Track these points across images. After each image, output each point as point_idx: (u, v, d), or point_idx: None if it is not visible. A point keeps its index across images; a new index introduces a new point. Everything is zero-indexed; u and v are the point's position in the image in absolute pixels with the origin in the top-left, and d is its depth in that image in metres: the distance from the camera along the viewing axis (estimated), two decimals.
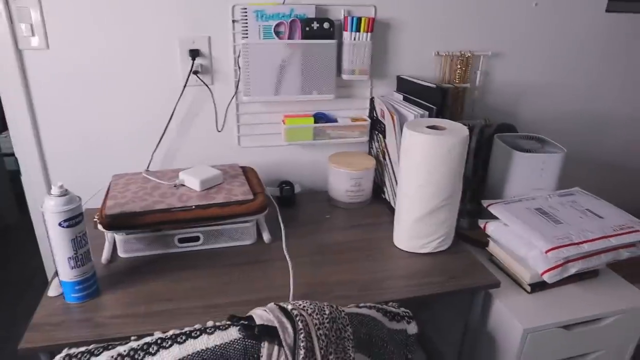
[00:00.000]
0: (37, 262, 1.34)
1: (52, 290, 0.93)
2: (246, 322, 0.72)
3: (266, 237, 1.11)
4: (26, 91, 1.17)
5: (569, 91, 1.55)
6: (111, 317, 0.88)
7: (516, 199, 1.19)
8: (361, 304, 0.83)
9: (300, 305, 0.74)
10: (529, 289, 1.06)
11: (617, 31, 1.51)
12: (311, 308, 0.73)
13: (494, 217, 1.14)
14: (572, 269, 1.01)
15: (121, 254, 1.05)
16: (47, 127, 1.22)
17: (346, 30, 1.23)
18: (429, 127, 1.04)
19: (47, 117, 1.21)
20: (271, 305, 0.74)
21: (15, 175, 2.82)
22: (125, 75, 1.21)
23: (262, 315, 0.73)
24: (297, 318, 0.71)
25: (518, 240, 1.07)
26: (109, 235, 1.03)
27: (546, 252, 0.99)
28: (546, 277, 1.00)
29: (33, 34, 1.13)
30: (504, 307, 1.02)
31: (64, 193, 0.84)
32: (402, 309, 0.88)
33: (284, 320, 0.71)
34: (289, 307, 0.73)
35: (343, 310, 0.76)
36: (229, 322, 0.73)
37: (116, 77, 1.20)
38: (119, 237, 1.02)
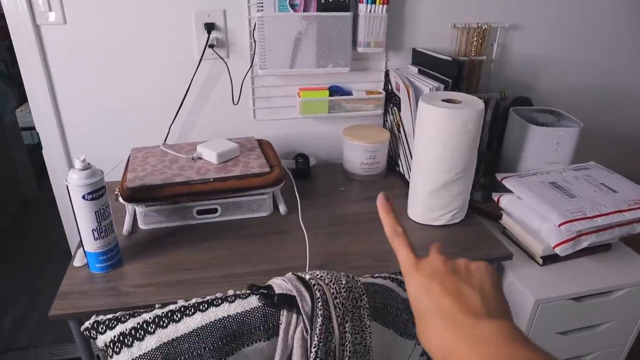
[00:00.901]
0: (57, 234, 1.37)
1: (77, 261, 0.97)
2: (266, 291, 0.74)
3: (282, 209, 1.13)
4: (45, 66, 1.19)
5: (586, 64, 1.53)
6: (135, 286, 0.91)
7: (530, 173, 1.19)
8: (376, 274, 0.85)
9: (317, 275, 0.76)
10: (541, 261, 1.07)
11: (634, 4, 1.48)
12: (328, 278, 0.75)
13: (507, 191, 1.15)
14: (585, 243, 1.02)
15: (141, 225, 1.08)
16: (66, 101, 1.24)
17: (362, 2, 1.22)
18: (444, 100, 1.04)
19: (66, 92, 1.23)
20: (289, 275, 0.77)
21: (33, 149, 2.87)
22: (141, 50, 1.22)
23: (280, 284, 0.75)
24: (315, 287, 0.74)
25: (531, 213, 1.08)
26: (129, 207, 1.06)
27: (559, 225, 1.00)
28: (558, 250, 1.01)
29: (50, 9, 1.14)
30: (516, 278, 1.04)
31: (87, 167, 0.86)
32: None
33: (302, 289, 0.74)
34: (307, 276, 0.75)
35: (359, 280, 0.79)
36: (249, 291, 0.75)
37: (133, 51, 1.21)
38: (139, 209, 1.05)
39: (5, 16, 1.14)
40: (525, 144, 1.26)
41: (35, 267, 2.30)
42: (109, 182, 1.22)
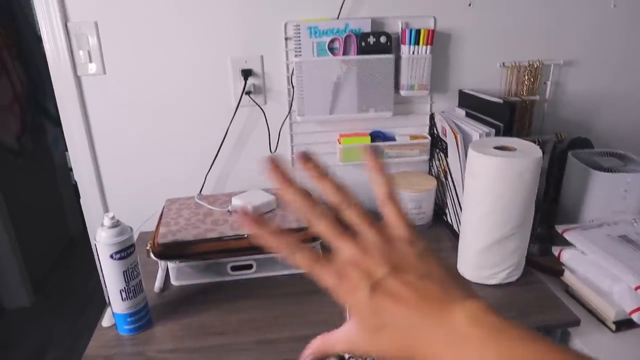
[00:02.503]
0: (98, 276, 1.36)
1: (106, 321, 0.92)
2: None
3: None
4: (84, 115, 1.19)
5: None
6: (162, 351, 0.85)
7: (595, 224, 1.07)
8: None
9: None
10: (613, 327, 0.94)
11: None
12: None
13: (569, 244, 1.03)
14: None
15: (174, 281, 1.03)
16: (104, 150, 1.23)
17: (404, 44, 1.16)
18: (496, 147, 0.95)
19: (104, 141, 1.22)
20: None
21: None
22: (178, 97, 1.20)
23: None
24: None
25: (599, 271, 0.96)
26: (162, 263, 1.01)
27: (636, 288, 0.87)
28: (636, 317, 0.88)
29: (90, 60, 1.14)
30: (584, 348, 0.92)
31: (116, 224, 0.83)
32: None
33: None
34: (346, 355, 0.67)
35: None
36: None
37: (169, 99, 1.20)
38: (171, 265, 1.01)
39: (49, 67, 1.15)
40: (588, 191, 1.14)
41: (76, 307, 2.31)
42: (144, 233, 1.21)
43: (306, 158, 0.41)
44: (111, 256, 0.82)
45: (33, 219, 2.55)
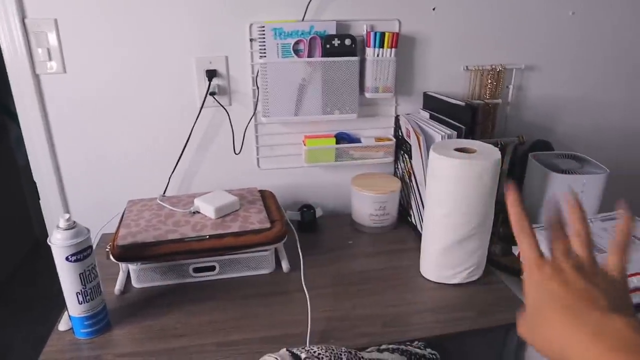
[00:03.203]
0: None
1: (63, 325, 0.90)
2: None
3: (285, 266, 1.06)
4: (43, 115, 1.16)
5: (609, 105, 1.45)
6: (120, 355, 0.84)
7: None
8: (383, 346, 0.77)
9: (315, 352, 0.68)
10: None
11: None
12: (327, 356, 0.67)
13: None
14: None
15: (135, 284, 1.01)
16: (65, 151, 1.20)
17: (369, 47, 1.17)
18: (457, 149, 0.97)
19: (64, 141, 1.19)
20: (283, 351, 0.68)
21: None
22: (141, 98, 1.18)
23: None
24: None
25: None
26: (122, 265, 1.00)
27: None
28: None
29: (50, 59, 1.11)
30: None
31: (72, 226, 0.81)
32: (429, 350, 0.82)
33: None
34: (303, 355, 0.67)
35: (362, 357, 0.70)
36: None
37: (133, 99, 1.18)
38: (132, 267, 0.99)
39: (6, 65, 1.12)
40: (547, 192, 1.17)
41: (40, 312, 2.25)
42: (107, 234, 1.18)
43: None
44: (67, 258, 0.81)
45: None
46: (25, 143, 1.19)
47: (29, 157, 1.20)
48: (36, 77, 1.13)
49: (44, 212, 1.26)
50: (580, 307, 0.41)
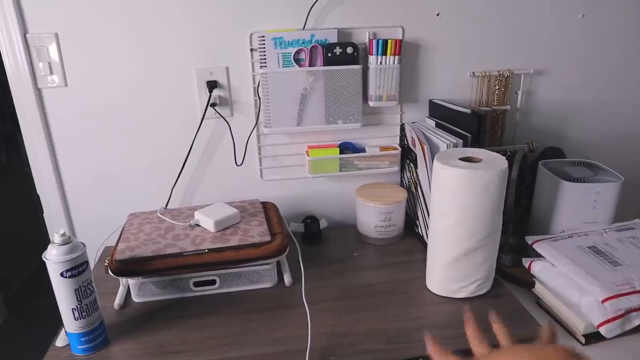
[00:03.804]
0: None
1: (60, 341, 0.89)
2: None
3: (287, 279, 1.03)
4: (46, 128, 1.16)
5: (623, 110, 1.40)
6: None
7: (565, 235, 1.06)
8: None
9: None
10: (583, 340, 0.92)
11: None
12: None
13: (540, 255, 1.02)
14: (636, 321, 0.87)
15: (135, 298, 0.99)
16: (67, 164, 1.20)
17: (372, 54, 1.15)
18: (462, 158, 0.94)
19: (67, 154, 1.19)
20: None
21: None
22: (142, 110, 1.17)
23: None
24: None
25: (569, 283, 0.94)
26: (122, 279, 0.98)
27: (603, 301, 0.86)
28: (603, 330, 0.87)
29: (51, 72, 1.12)
30: None
31: (67, 241, 0.80)
32: None
33: None
34: None
35: None
36: None
37: (134, 111, 1.17)
38: (132, 281, 0.97)
39: (8, 79, 1.12)
40: (558, 201, 1.13)
41: (52, 324, 2.25)
42: (109, 247, 1.17)
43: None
44: (62, 274, 0.79)
45: (6, 233, 2.49)
46: (28, 156, 1.19)
47: (32, 170, 1.20)
48: (38, 91, 1.13)
49: (47, 225, 1.26)
50: None
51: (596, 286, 0.88)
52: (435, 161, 0.94)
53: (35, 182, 1.22)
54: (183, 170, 1.20)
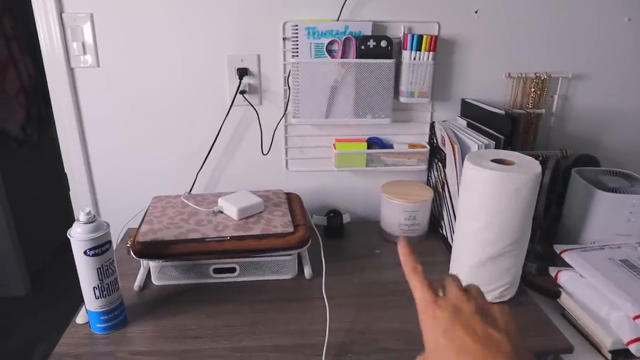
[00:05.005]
0: None
1: (80, 318, 0.90)
2: None
3: (307, 272, 1.02)
4: (76, 108, 1.17)
5: None
6: (134, 353, 0.82)
7: (596, 246, 1.02)
8: None
9: None
10: (609, 356, 0.89)
11: None
12: None
13: (568, 265, 0.99)
14: None
15: (155, 281, 1.00)
16: (95, 144, 1.21)
17: (405, 49, 1.13)
18: (494, 160, 0.91)
19: (96, 135, 1.20)
20: None
21: None
22: (172, 95, 1.18)
23: None
24: None
25: (598, 296, 0.91)
26: (143, 261, 0.99)
27: (634, 318, 0.83)
28: (633, 348, 0.83)
29: (85, 53, 1.12)
30: None
31: (91, 220, 0.80)
32: None
33: None
34: None
35: None
36: None
37: (164, 96, 1.18)
38: (153, 263, 0.98)
39: (43, 59, 1.13)
40: (591, 211, 1.09)
41: (71, 301, 2.30)
42: (132, 229, 1.18)
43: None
44: (85, 252, 0.80)
45: (35, 209, 2.55)
46: (58, 134, 1.20)
47: (61, 149, 1.22)
48: (71, 71, 1.14)
49: (72, 203, 1.27)
50: (484, 353, 0.40)
51: (627, 301, 0.85)
52: (466, 161, 0.91)
53: (63, 160, 1.23)
54: (209, 157, 1.20)
